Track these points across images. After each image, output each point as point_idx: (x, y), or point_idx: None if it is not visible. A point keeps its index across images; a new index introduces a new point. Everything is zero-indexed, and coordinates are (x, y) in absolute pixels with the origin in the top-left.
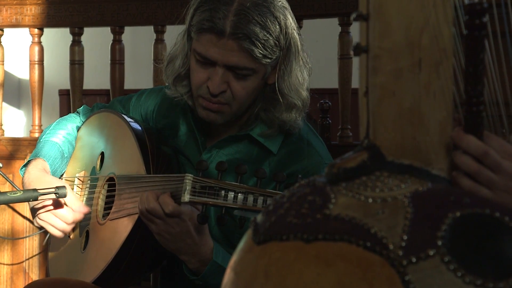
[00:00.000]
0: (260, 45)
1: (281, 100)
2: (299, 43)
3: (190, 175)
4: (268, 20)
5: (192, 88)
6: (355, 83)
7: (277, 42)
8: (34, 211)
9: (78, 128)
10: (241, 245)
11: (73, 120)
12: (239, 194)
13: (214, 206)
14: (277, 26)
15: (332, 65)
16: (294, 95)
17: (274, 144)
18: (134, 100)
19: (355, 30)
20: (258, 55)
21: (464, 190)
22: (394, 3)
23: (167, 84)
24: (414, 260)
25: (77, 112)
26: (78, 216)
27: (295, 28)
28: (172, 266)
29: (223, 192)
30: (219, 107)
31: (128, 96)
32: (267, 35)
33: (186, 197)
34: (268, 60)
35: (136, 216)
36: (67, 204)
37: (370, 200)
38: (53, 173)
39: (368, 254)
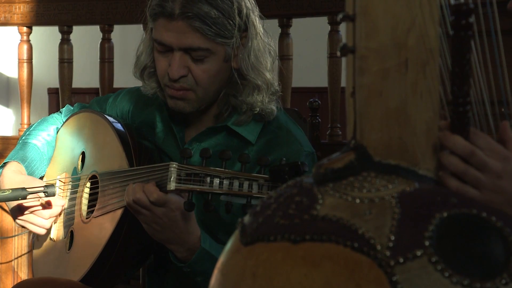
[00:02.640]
0: (210, 23)
1: (239, 81)
2: (258, 24)
3: (175, 163)
4: None
5: (159, 80)
6: (344, 81)
7: (230, 22)
8: (13, 212)
9: (58, 130)
10: (228, 246)
11: (55, 122)
12: (225, 179)
13: (200, 193)
14: (229, 5)
15: (322, 63)
16: (254, 75)
17: (251, 134)
18: (111, 101)
19: (345, 29)
20: (209, 33)
21: (451, 190)
22: (380, 3)
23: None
24: (401, 260)
25: (60, 112)
26: (56, 209)
27: (253, 10)
28: (159, 260)
29: (208, 178)
30: (183, 94)
31: (106, 97)
32: (217, 13)
33: (172, 185)
34: (222, 39)
35: (121, 211)
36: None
37: (358, 201)
38: (30, 175)
39: (356, 254)
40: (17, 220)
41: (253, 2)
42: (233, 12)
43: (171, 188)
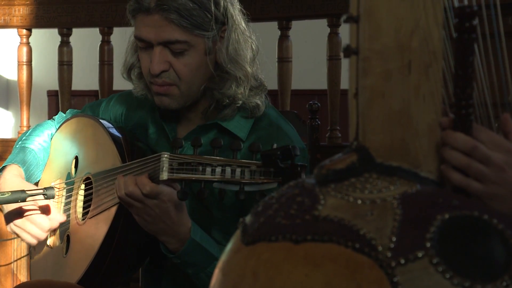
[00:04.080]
0: (186, 15)
1: (219, 74)
2: (238, 17)
3: (166, 153)
4: None
5: (144, 77)
6: (344, 84)
7: (207, 13)
8: (8, 216)
9: (52, 136)
10: (229, 245)
11: (49, 127)
12: (217, 167)
13: (193, 182)
14: None
15: (321, 66)
16: (234, 68)
17: (242, 131)
18: (104, 105)
19: (344, 31)
20: (185, 25)
21: (452, 192)
22: (384, 5)
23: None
24: (402, 261)
25: (53, 119)
26: (54, 224)
27: (232, 3)
28: (154, 260)
29: (200, 167)
30: (167, 89)
31: (99, 101)
32: (193, 5)
33: (165, 175)
34: (199, 32)
35: (115, 208)
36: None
37: (359, 202)
38: (27, 180)
39: (357, 255)
40: (12, 227)
41: None
42: (209, 4)
43: (164, 178)
